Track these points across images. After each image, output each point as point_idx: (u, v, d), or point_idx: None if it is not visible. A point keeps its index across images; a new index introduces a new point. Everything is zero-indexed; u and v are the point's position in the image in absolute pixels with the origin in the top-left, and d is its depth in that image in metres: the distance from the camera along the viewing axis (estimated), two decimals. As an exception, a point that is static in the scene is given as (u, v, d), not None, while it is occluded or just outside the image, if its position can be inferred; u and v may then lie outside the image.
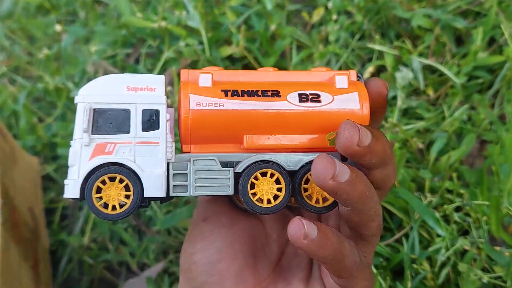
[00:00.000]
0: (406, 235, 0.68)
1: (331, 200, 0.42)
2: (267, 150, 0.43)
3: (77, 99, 0.41)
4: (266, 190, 0.42)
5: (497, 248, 0.63)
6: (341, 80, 0.44)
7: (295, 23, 1.08)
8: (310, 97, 0.42)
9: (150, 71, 0.98)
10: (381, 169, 0.41)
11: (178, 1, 1.01)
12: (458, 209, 0.69)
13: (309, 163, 0.42)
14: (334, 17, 0.95)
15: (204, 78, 0.42)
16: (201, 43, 0.99)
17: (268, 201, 0.42)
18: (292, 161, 0.42)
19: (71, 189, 0.39)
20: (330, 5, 0.95)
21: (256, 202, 0.41)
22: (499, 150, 0.70)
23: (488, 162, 0.71)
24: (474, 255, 0.63)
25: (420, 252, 0.64)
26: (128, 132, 0.40)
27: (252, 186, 0.42)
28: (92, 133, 0.40)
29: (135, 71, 0.97)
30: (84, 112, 0.40)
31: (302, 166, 0.42)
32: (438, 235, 0.65)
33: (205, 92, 0.41)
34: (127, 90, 0.41)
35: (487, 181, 0.71)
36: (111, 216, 0.39)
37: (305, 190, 0.43)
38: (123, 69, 0.99)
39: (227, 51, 0.96)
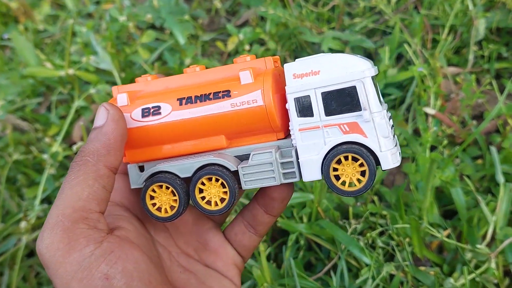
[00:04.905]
0: (336, 265, 0.68)
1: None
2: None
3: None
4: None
5: (422, 268, 0.65)
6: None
7: (211, 53, 1.07)
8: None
9: (63, 118, 0.94)
10: None
11: (86, 43, 0.98)
12: (383, 232, 0.70)
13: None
14: (247, 47, 0.94)
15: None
16: (114, 84, 0.96)
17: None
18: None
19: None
20: (241, 36, 0.95)
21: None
22: (415, 168, 0.72)
23: (405, 182, 0.73)
24: (401, 279, 0.64)
25: (349, 284, 0.64)
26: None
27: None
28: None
29: (47, 120, 0.93)
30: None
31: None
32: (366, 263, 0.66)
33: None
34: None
35: (407, 199, 0.73)
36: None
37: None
38: (34, 121, 0.94)
39: (142, 90, 0.94)
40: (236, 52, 1.01)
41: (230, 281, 0.50)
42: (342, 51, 0.93)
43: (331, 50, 0.93)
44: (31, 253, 0.81)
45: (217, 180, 0.44)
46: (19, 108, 0.97)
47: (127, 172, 0.49)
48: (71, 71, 0.87)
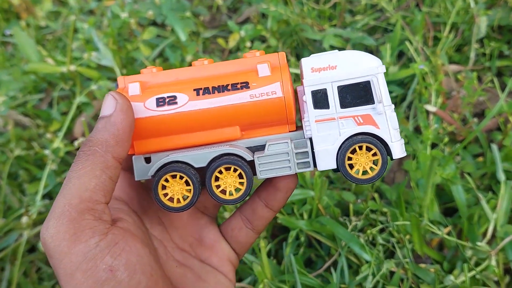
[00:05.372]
0: (336, 262, 0.68)
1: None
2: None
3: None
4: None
5: (423, 265, 0.65)
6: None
7: (212, 50, 1.07)
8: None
9: (65, 114, 0.94)
10: None
11: (88, 40, 0.98)
12: (383, 229, 0.70)
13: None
14: (248, 44, 0.95)
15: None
16: (116, 80, 0.96)
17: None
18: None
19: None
20: (242, 33, 0.95)
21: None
22: (415, 165, 0.72)
23: (406, 179, 0.73)
24: (401, 276, 0.64)
25: (349, 281, 0.65)
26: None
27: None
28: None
29: (48, 116, 0.93)
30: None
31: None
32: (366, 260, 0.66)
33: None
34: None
35: (408, 196, 0.73)
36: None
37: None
38: (36, 117, 0.94)
39: (144, 87, 0.94)
40: (237, 49, 1.01)
41: (225, 276, 0.50)
42: (343, 49, 0.93)
43: (332, 48, 0.93)
44: (32, 248, 0.82)
45: (235, 170, 0.45)
46: (21, 104, 0.97)
47: (124, 167, 0.49)
48: (72, 67, 0.88)
